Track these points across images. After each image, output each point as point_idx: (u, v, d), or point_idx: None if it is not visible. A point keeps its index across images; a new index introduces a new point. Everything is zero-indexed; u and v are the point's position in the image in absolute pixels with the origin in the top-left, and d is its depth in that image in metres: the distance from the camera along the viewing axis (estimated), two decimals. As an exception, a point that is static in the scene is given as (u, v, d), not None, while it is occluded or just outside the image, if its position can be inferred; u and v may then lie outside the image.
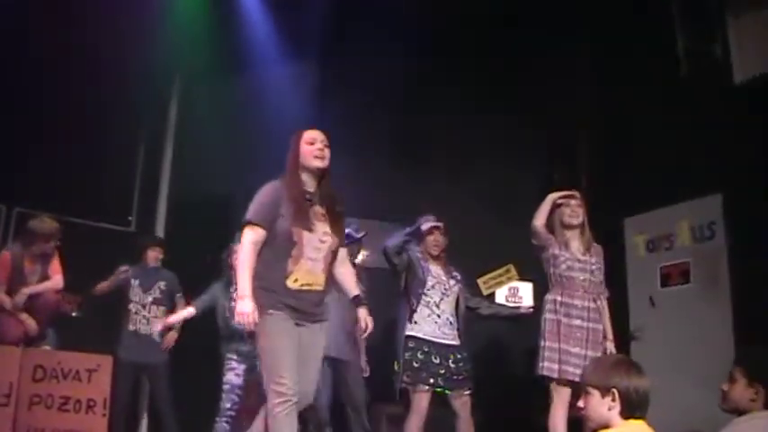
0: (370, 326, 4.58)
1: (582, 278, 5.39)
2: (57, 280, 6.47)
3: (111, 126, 7.67)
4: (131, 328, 6.87)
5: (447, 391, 5.76)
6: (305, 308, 4.25)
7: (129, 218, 8.29)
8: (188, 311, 6.65)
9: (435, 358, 5.76)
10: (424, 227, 5.96)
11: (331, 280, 4.49)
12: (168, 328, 6.91)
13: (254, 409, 6.77)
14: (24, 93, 7.12)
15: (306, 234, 4.26)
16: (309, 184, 4.46)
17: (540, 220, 5.52)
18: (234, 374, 6.40)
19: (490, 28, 7.74)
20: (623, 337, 7.13)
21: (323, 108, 8.00)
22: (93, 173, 7.60)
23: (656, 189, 7.17)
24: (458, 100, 7.89)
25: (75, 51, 7.02)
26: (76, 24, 6.89)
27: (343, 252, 4.57)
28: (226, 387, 6.37)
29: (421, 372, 5.71)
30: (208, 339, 6.69)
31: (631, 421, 2.83)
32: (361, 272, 6.65)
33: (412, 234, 5.92)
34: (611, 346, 5.39)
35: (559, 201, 5.56)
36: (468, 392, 5.80)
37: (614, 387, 2.84)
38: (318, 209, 4.40)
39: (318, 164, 4.44)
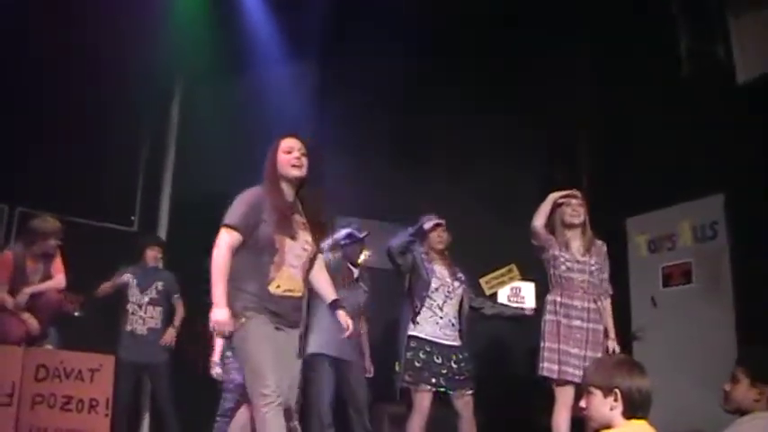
0: (351, 327, 4.58)
1: (581, 279, 5.39)
2: (59, 279, 6.48)
3: (113, 126, 7.68)
4: (128, 328, 6.91)
5: (449, 392, 5.77)
6: (285, 313, 4.27)
7: (132, 218, 8.30)
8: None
9: (437, 358, 5.77)
10: (427, 225, 5.96)
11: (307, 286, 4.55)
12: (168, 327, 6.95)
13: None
14: (26, 93, 7.13)
15: (288, 241, 4.28)
16: (288, 192, 4.46)
17: (539, 220, 5.52)
18: (237, 373, 6.40)
19: (490, 28, 7.74)
20: (625, 337, 7.14)
21: (323, 108, 8.00)
22: (96, 173, 7.61)
23: (658, 189, 7.17)
24: (458, 100, 7.89)
25: (77, 52, 7.03)
26: (78, 25, 6.89)
27: (320, 259, 4.62)
28: (229, 386, 6.37)
29: (423, 371, 5.72)
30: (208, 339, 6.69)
31: (633, 421, 2.83)
32: (364, 272, 6.66)
33: (415, 234, 5.92)
34: (613, 345, 5.39)
35: (560, 200, 5.56)
36: (470, 392, 5.81)
37: (616, 387, 2.85)
38: (299, 217, 4.42)
39: (296, 173, 4.43)
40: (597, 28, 7.81)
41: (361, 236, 6.57)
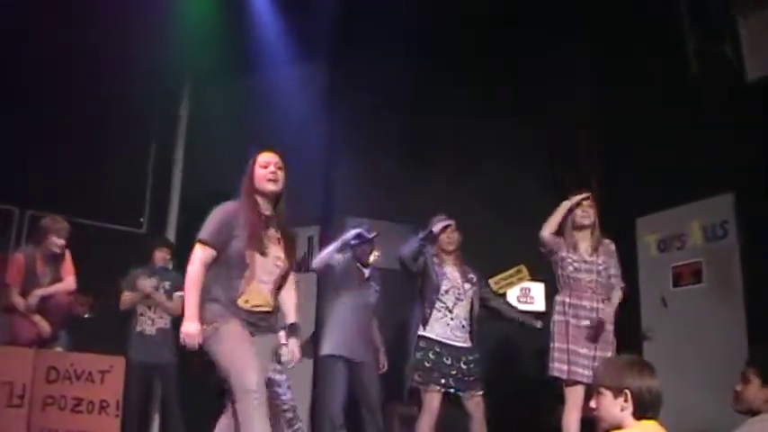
0: (297, 356, 4.62)
1: (588, 279, 5.39)
2: (69, 282, 6.51)
3: (122, 128, 7.71)
4: (138, 329, 6.93)
5: (459, 393, 5.77)
6: (254, 322, 4.31)
7: (141, 219, 8.33)
8: None
9: (447, 359, 5.77)
10: (436, 229, 5.97)
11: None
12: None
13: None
14: (35, 96, 7.16)
15: (259, 257, 4.30)
16: (265, 206, 4.47)
17: (549, 229, 5.50)
18: None
19: (495, 29, 7.72)
20: (635, 337, 7.13)
21: (332, 109, 8.03)
22: (105, 175, 7.64)
23: (668, 189, 7.14)
24: (465, 101, 7.88)
25: (84, 53, 7.06)
26: (85, 26, 6.92)
27: (292, 277, 4.62)
28: None
29: (432, 372, 5.72)
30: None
31: (644, 422, 2.83)
32: (375, 272, 6.67)
33: (425, 239, 5.92)
34: (609, 329, 5.36)
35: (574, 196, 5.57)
36: (480, 393, 5.81)
37: (627, 388, 2.84)
38: (273, 232, 4.43)
39: (271, 187, 4.45)
40: (600, 27, 7.80)
41: (371, 236, 6.57)
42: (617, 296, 5.48)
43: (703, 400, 6.23)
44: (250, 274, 4.27)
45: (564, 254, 5.45)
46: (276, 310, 4.48)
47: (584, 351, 5.21)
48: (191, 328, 4.15)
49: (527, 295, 7.78)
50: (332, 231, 7.82)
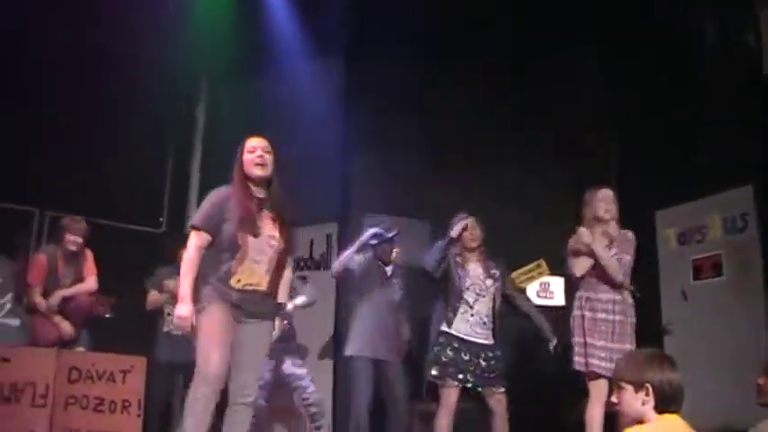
0: (276, 333, 4.67)
1: (605, 272, 5.36)
2: (91, 282, 6.55)
3: (140, 129, 7.73)
4: (165, 329, 6.94)
5: (477, 388, 5.76)
6: (246, 306, 4.35)
7: (160, 219, 8.36)
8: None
9: (465, 355, 5.75)
10: (455, 233, 5.95)
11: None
12: None
13: (280, 406, 6.89)
14: (54, 98, 7.18)
15: (251, 239, 4.36)
16: (257, 190, 4.54)
17: (581, 272, 5.44)
18: (267, 371, 6.44)
19: (517, 27, 7.69)
20: (655, 330, 7.10)
21: (348, 106, 8.02)
22: (124, 176, 7.67)
23: (687, 181, 7.11)
24: (482, 98, 7.87)
25: (101, 55, 7.08)
26: (102, 27, 6.94)
27: (290, 257, 4.70)
28: (260, 384, 6.41)
29: (449, 367, 5.72)
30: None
31: (666, 415, 2.82)
32: (398, 269, 6.68)
33: (448, 244, 5.91)
34: (628, 321, 5.34)
35: (596, 190, 5.53)
36: (501, 390, 5.79)
37: (648, 381, 2.83)
38: (268, 213, 4.49)
39: (258, 172, 4.52)
40: (617, 20, 7.75)
41: (390, 235, 6.58)
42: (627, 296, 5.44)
43: (725, 394, 6.21)
44: (242, 254, 4.34)
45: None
46: (274, 292, 4.52)
47: (600, 344, 5.18)
48: (183, 311, 4.25)
49: (546, 290, 7.76)
50: (350, 228, 7.83)
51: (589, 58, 8.08)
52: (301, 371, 6.71)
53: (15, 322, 7.14)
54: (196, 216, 4.49)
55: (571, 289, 5.54)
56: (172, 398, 7.01)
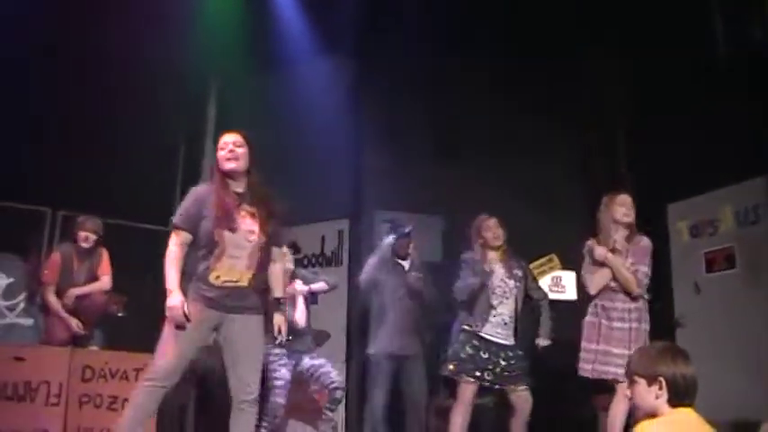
0: (284, 331, 4.67)
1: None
2: (105, 281, 6.58)
3: (151, 129, 7.75)
4: None
5: (496, 386, 5.75)
6: (226, 302, 4.34)
7: (171, 218, 8.37)
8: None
9: (484, 354, 5.72)
10: (477, 253, 5.93)
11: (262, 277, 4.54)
12: None
13: (298, 404, 6.90)
14: (65, 99, 7.20)
15: (227, 234, 4.34)
16: (236, 185, 4.53)
17: (597, 290, 5.40)
18: (286, 370, 6.46)
19: (529, 24, 7.66)
20: (668, 323, 7.09)
21: (360, 103, 8.02)
22: (136, 175, 7.69)
23: (699, 174, 7.08)
24: (495, 92, 7.86)
25: (112, 55, 7.09)
26: (112, 28, 6.95)
27: (276, 251, 4.64)
28: (279, 383, 6.43)
29: (467, 363, 5.70)
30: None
31: (680, 409, 2.81)
32: (415, 261, 6.72)
33: (478, 285, 5.86)
34: (644, 328, 5.32)
35: (614, 195, 5.50)
36: (525, 388, 5.76)
37: (661, 375, 2.82)
38: (247, 208, 4.46)
39: (230, 166, 4.50)
40: (626, 16, 7.72)
41: (406, 230, 6.67)
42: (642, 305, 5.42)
43: (739, 386, 6.19)
44: (220, 250, 4.33)
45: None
46: (258, 287, 4.48)
47: (618, 351, 5.13)
48: (174, 301, 4.23)
49: (558, 284, 7.75)
50: (362, 225, 7.84)
51: (602, 52, 8.05)
52: (320, 360, 6.72)
53: (29, 322, 7.16)
54: (176, 215, 4.51)
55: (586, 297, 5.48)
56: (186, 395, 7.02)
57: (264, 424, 6.39)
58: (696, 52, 6.98)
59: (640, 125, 8.00)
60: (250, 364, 4.41)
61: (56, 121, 7.26)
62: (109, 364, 6.12)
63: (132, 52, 7.02)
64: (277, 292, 4.68)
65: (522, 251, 6.75)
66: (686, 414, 2.81)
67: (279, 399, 6.37)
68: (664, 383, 2.80)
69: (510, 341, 5.84)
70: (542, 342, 5.93)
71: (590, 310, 5.36)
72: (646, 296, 5.32)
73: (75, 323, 6.37)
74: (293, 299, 6.51)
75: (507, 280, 5.91)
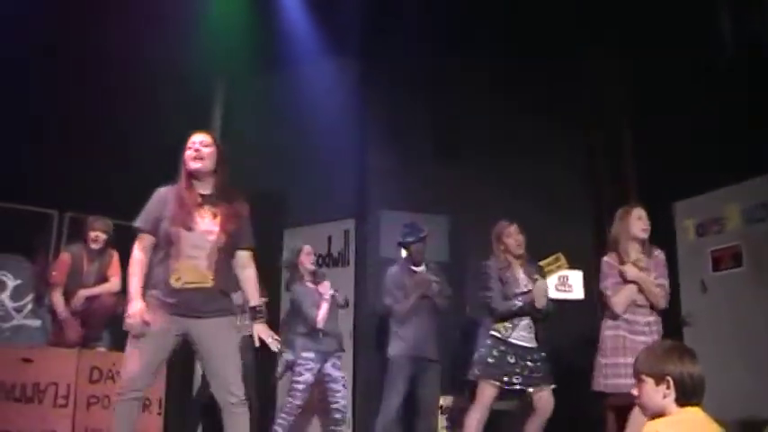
0: (267, 341, 4.52)
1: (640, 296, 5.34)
2: (114, 283, 6.59)
3: (157, 131, 7.74)
4: None
5: (524, 388, 5.79)
6: (190, 305, 4.26)
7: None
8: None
9: (511, 358, 5.77)
10: (500, 260, 5.97)
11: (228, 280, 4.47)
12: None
13: (312, 406, 6.94)
14: (71, 101, 7.21)
15: (184, 233, 4.29)
16: (201, 185, 4.48)
17: (623, 309, 5.36)
18: (311, 374, 6.51)
19: (533, 23, 7.65)
20: (675, 322, 7.07)
21: (365, 103, 8.02)
22: (140, 176, 7.67)
23: (705, 172, 7.06)
24: (499, 91, 7.86)
25: (118, 57, 7.10)
26: (117, 29, 6.96)
27: (243, 255, 4.55)
28: (301, 387, 6.47)
29: (494, 368, 5.75)
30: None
31: (687, 408, 2.80)
32: (431, 265, 6.77)
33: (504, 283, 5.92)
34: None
35: (630, 209, 5.49)
36: (549, 388, 5.82)
37: (668, 374, 2.81)
38: (210, 208, 4.41)
39: (195, 165, 4.45)
40: (627, 15, 7.71)
41: (422, 235, 6.73)
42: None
43: (746, 385, 6.18)
44: (177, 250, 4.28)
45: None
46: (223, 287, 4.38)
47: None
48: (134, 307, 4.20)
49: (565, 283, 7.74)
50: (368, 225, 7.85)
51: (606, 50, 8.04)
52: (338, 374, 6.77)
53: (36, 323, 7.20)
54: (138, 218, 4.47)
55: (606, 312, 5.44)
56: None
57: (280, 421, 6.44)
58: (700, 50, 6.96)
59: (645, 123, 7.98)
60: (229, 367, 4.35)
61: (61, 124, 7.28)
62: (116, 365, 6.08)
63: (137, 53, 7.03)
64: (251, 299, 4.57)
65: (529, 250, 6.76)
66: (694, 413, 2.80)
67: (297, 401, 6.45)
68: (671, 383, 2.80)
69: (533, 344, 5.89)
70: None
71: (609, 323, 5.31)
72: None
73: (72, 325, 6.38)
74: (319, 299, 6.66)
75: (530, 285, 5.94)
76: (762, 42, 6.44)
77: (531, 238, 6.59)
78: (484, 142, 8.00)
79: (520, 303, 5.80)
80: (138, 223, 4.43)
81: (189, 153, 4.48)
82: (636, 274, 5.27)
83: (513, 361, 5.76)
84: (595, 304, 7.85)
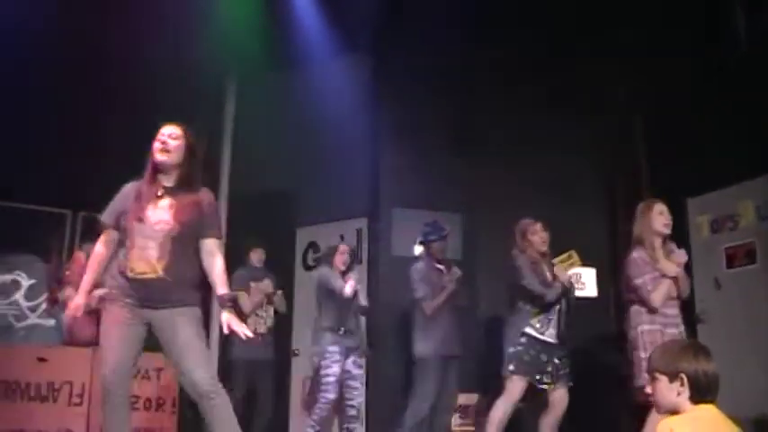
0: (235, 329, 4.35)
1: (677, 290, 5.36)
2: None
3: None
4: (251, 328, 7.00)
5: (549, 387, 5.90)
6: (146, 295, 4.23)
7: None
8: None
9: (543, 356, 5.88)
10: (530, 256, 6.04)
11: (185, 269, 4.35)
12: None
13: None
14: (83, 99, 7.23)
15: (136, 225, 4.27)
16: (166, 178, 4.44)
17: (662, 303, 5.34)
18: (338, 366, 6.54)
19: (547, 17, 7.62)
20: (689, 319, 7.05)
21: (378, 101, 8.01)
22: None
23: (719, 168, 7.04)
24: (513, 89, 7.84)
25: (130, 55, 7.11)
26: (129, 26, 6.97)
27: (207, 244, 4.44)
28: (331, 379, 6.50)
29: (528, 365, 5.83)
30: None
31: (702, 405, 2.80)
32: (452, 263, 6.78)
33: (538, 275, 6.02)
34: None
35: (651, 204, 5.49)
36: (565, 387, 5.95)
37: (682, 372, 2.81)
38: (169, 200, 4.36)
39: (160, 157, 4.41)
40: (646, 8, 7.68)
41: (444, 233, 6.78)
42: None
43: (760, 382, 6.18)
44: (130, 242, 4.27)
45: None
46: (179, 278, 4.28)
47: None
48: (74, 302, 4.36)
49: (578, 281, 7.69)
50: (381, 223, 7.84)
51: (622, 46, 8.00)
52: (358, 371, 6.80)
53: (50, 322, 7.22)
54: (104, 212, 4.48)
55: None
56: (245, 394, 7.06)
57: (315, 417, 6.48)
58: (714, 47, 6.93)
59: (658, 121, 7.95)
60: (196, 356, 4.27)
61: (74, 124, 7.29)
62: (131, 363, 6.16)
63: (151, 53, 7.04)
64: (218, 288, 4.41)
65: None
66: (708, 410, 2.80)
67: (330, 394, 6.50)
68: (685, 380, 2.79)
69: (557, 340, 5.98)
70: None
71: (645, 318, 5.28)
72: None
73: (89, 328, 6.41)
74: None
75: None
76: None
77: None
78: (497, 139, 7.97)
79: (559, 288, 5.90)
80: (102, 218, 4.46)
81: (156, 144, 4.44)
82: (676, 270, 5.31)
83: (545, 359, 5.87)
84: (608, 302, 7.88)
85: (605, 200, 8.34)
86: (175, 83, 7.30)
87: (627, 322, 5.39)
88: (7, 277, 7.31)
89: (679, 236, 6.34)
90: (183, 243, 4.32)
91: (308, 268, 8.50)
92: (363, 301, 6.90)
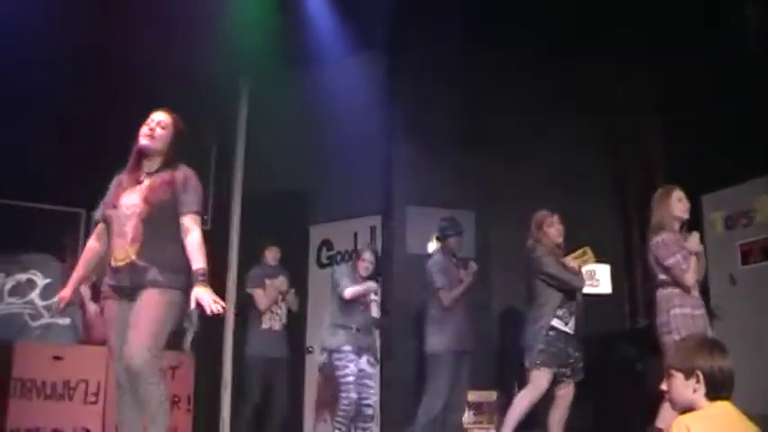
0: (203, 303, 4.01)
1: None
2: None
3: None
4: (265, 326, 7.04)
5: (569, 380, 5.97)
6: (120, 283, 4.18)
7: (204, 217, 8.41)
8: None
9: (569, 350, 5.96)
10: (551, 254, 6.09)
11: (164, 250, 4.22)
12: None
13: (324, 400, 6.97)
14: (95, 100, 7.25)
15: (113, 212, 4.27)
16: (149, 164, 4.40)
17: (692, 281, 5.33)
18: (354, 365, 6.56)
19: (561, 14, 7.61)
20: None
21: (392, 99, 8.01)
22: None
23: (733, 164, 7.02)
24: (526, 86, 7.83)
25: (143, 56, 7.13)
26: (142, 28, 6.99)
27: (184, 220, 4.24)
28: (350, 378, 6.52)
29: (555, 358, 5.88)
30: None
31: (717, 402, 2.79)
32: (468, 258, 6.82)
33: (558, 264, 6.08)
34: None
35: (669, 190, 5.49)
36: (578, 379, 6.01)
37: (698, 369, 2.81)
38: (146, 183, 4.31)
39: (144, 142, 4.35)
40: (659, 4, 7.65)
41: (461, 229, 6.86)
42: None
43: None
44: (111, 231, 4.28)
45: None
46: (152, 259, 4.14)
47: None
48: (63, 293, 4.36)
49: (592, 277, 7.69)
50: (394, 221, 7.85)
51: (635, 41, 7.98)
52: (372, 370, 6.80)
53: (66, 321, 7.24)
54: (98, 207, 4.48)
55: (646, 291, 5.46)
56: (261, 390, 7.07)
57: (339, 418, 6.49)
58: (728, 43, 6.91)
59: (673, 117, 7.93)
60: (131, 332, 4.05)
61: (88, 124, 7.31)
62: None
63: (165, 54, 7.06)
64: (193, 263, 4.14)
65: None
66: (724, 407, 2.80)
67: (352, 393, 6.50)
68: (701, 377, 2.79)
69: (573, 331, 6.05)
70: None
71: (676, 302, 5.26)
72: None
73: (104, 327, 6.45)
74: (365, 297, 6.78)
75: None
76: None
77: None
78: (511, 137, 7.96)
79: (583, 277, 6.09)
80: (96, 214, 4.47)
81: (143, 129, 4.40)
82: (699, 245, 5.37)
83: (568, 352, 5.94)
84: (623, 299, 7.87)
85: (619, 197, 8.33)
86: (190, 82, 7.32)
87: (655, 308, 5.36)
88: (23, 276, 7.32)
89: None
90: (156, 224, 4.20)
91: (321, 266, 8.51)
92: (376, 313, 6.90)
